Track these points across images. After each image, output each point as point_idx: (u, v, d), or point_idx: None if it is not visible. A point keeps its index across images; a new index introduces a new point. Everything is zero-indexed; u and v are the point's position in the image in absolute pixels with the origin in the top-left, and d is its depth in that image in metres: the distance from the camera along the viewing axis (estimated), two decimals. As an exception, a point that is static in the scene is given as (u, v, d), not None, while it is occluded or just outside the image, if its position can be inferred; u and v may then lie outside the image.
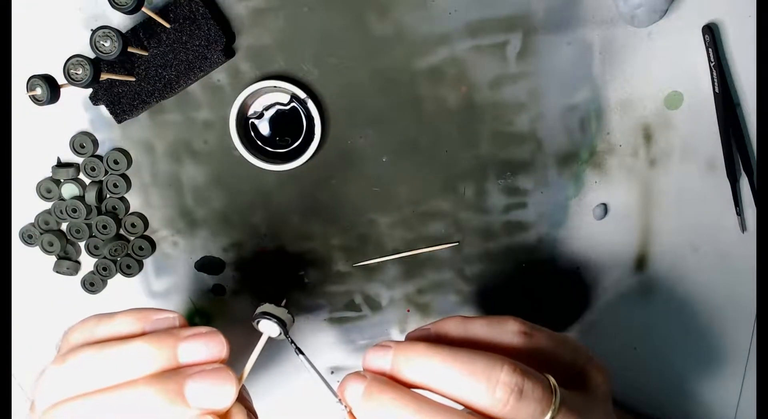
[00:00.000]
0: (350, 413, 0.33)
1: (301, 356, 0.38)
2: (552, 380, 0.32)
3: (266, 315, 0.39)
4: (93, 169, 0.46)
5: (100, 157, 0.46)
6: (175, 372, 0.31)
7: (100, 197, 0.47)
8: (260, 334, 0.38)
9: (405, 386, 0.32)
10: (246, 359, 0.36)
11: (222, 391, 0.31)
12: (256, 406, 0.39)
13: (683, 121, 0.45)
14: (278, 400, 0.50)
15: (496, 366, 0.31)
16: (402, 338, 0.49)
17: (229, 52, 0.44)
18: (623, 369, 0.48)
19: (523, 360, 0.32)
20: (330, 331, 0.49)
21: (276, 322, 0.39)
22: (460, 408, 0.32)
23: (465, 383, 0.31)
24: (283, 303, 0.40)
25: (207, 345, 0.32)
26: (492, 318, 0.36)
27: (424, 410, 0.31)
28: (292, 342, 0.39)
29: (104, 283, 0.48)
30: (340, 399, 0.33)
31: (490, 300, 0.48)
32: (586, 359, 0.36)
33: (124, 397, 0.30)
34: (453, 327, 0.36)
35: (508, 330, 0.35)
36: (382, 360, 0.33)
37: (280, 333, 0.39)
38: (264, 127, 0.46)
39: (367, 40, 0.44)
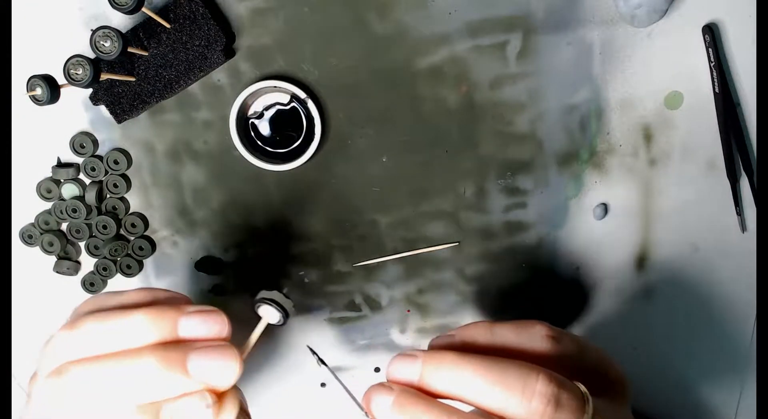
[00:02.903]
0: None
1: (323, 367, 0.37)
2: (583, 388, 0.32)
3: (266, 300, 0.39)
4: (93, 169, 0.46)
5: (100, 157, 0.46)
6: (182, 345, 0.32)
7: (100, 197, 0.47)
8: (261, 325, 0.38)
9: (433, 397, 0.32)
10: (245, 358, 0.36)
11: (225, 369, 0.31)
12: (249, 405, 0.39)
13: (683, 121, 0.45)
14: (271, 401, 0.50)
15: (531, 376, 0.30)
16: (403, 338, 0.49)
17: (229, 52, 0.44)
18: (623, 369, 0.48)
19: (552, 366, 0.32)
20: (330, 331, 0.49)
21: (274, 306, 0.39)
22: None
23: (499, 394, 0.30)
24: (284, 291, 0.40)
25: (207, 323, 0.32)
26: (519, 322, 0.35)
27: None
28: (314, 353, 0.39)
29: (104, 283, 0.48)
30: (366, 413, 0.32)
31: (490, 300, 0.48)
32: (608, 364, 0.36)
33: (127, 362, 0.31)
34: (479, 334, 0.35)
35: (536, 335, 0.34)
36: (409, 371, 0.32)
37: (279, 320, 0.40)
38: (264, 127, 0.46)
39: (367, 40, 0.44)
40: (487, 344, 0.35)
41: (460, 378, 0.31)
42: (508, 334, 0.35)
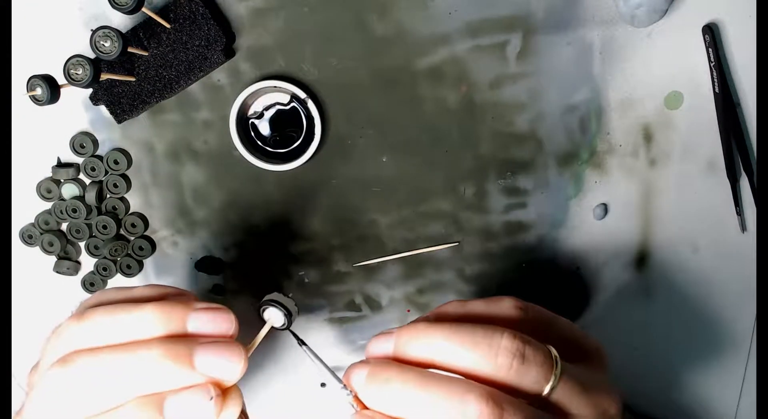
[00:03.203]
0: (356, 397, 0.33)
1: (303, 347, 0.38)
2: (553, 350, 0.33)
3: (273, 302, 0.40)
4: (93, 169, 0.46)
5: (100, 157, 0.46)
6: (189, 339, 0.32)
7: (100, 197, 0.47)
8: (266, 327, 0.39)
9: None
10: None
11: (230, 365, 0.32)
12: (248, 405, 0.39)
13: (683, 121, 0.45)
14: (271, 400, 0.50)
15: (496, 334, 0.32)
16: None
17: (229, 52, 0.44)
18: (623, 369, 0.48)
19: (522, 332, 0.33)
20: (330, 331, 0.49)
21: (281, 310, 0.40)
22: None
23: (467, 353, 0.32)
24: (289, 296, 0.41)
25: (216, 320, 0.33)
26: (489, 298, 0.37)
27: (428, 382, 0.31)
28: (295, 334, 0.39)
29: (104, 283, 0.48)
30: (345, 385, 0.33)
31: (490, 300, 0.48)
32: (582, 335, 0.37)
33: (134, 353, 0.31)
34: (451, 309, 0.37)
35: (504, 306, 0.36)
36: (384, 345, 0.34)
37: (284, 324, 0.40)
38: (264, 127, 0.46)
39: (367, 40, 0.44)
40: (458, 316, 0.36)
41: (431, 344, 0.32)
42: (477, 307, 0.36)
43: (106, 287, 0.48)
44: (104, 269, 0.48)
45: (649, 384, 0.49)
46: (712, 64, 0.44)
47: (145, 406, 0.31)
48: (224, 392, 0.32)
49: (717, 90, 0.44)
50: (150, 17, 0.42)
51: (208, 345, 0.32)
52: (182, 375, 0.31)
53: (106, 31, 0.39)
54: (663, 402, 0.49)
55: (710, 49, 0.44)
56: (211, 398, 0.31)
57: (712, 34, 0.43)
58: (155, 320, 0.32)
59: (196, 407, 0.31)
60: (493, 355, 0.31)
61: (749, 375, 0.49)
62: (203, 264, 0.48)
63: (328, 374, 0.36)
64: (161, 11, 0.43)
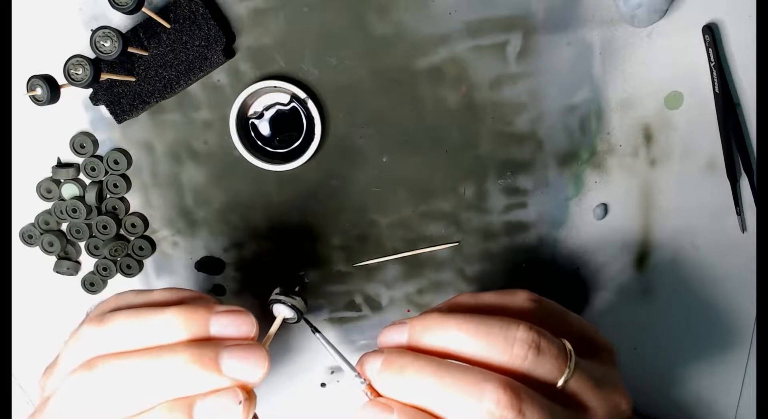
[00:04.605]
0: (369, 386, 0.33)
1: (317, 334, 0.38)
2: (567, 343, 0.33)
3: (281, 300, 0.40)
4: (93, 169, 0.46)
5: (100, 157, 0.46)
6: (213, 342, 0.32)
7: (100, 197, 0.47)
8: (278, 321, 0.39)
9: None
10: None
11: (255, 367, 0.32)
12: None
13: (683, 121, 0.45)
14: (271, 401, 0.50)
15: (512, 325, 0.32)
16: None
17: (229, 52, 0.44)
18: (623, 369, 0.48)
19: (535, 324, 0.33)
20: (330, 331, 0.49)
21: (290, 307, 0.40)
22: None
23: (482, 343, 0.32)
24: (296, 289, 0.41)
25: (237, 322, 0.33)
26: (502, 290, 0.37)
27: (444, 370, 0.31)
28: (308, 322, 0.40)
29: (104, 283, 0.48)
30: (359, 374, 0.34)
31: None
32: (593, 331, 0.37)
33: (160, 358, 0.31)
34: (464, 300, 0.37)
35: (518, 298, 0.36)
36: (397, 335, 0.34)
37: (293, 317, 0.40)
38: (264, 127, 0.46)
39: (367, 40, 0.44)
40: (471, 307, 0.36)
41: (446, 334, 0.33)
42: (491, 298, 0.36)
43: (106, 287, 0.48)
44: (104, 269, 0.48)
45: (649, 384, 0.49)
46: (712, 64, 0.44)
47: (174, 410, 0.31)
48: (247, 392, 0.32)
49: (717, 90, 0.44)
50: (150, 17, 0.42)
51: (233, 348, 0.32)
52: (209, 379, 0.31)
53: (106, 31, 0.39)
54: (663, 401, 0.49)
55: (710, 49, 0.44)
56: (240, 402, 0.31)
57: (712, 34, 0.43)
58: (178, 324, 0.32)
59: (225, 411, 0.31)
60: (508, 346, 0.31)
61: (749, 375, 0.49)
62: (203, 265, 0.48)
63: (342, 362, 0.36)
64: (161, 11, 0.43)
